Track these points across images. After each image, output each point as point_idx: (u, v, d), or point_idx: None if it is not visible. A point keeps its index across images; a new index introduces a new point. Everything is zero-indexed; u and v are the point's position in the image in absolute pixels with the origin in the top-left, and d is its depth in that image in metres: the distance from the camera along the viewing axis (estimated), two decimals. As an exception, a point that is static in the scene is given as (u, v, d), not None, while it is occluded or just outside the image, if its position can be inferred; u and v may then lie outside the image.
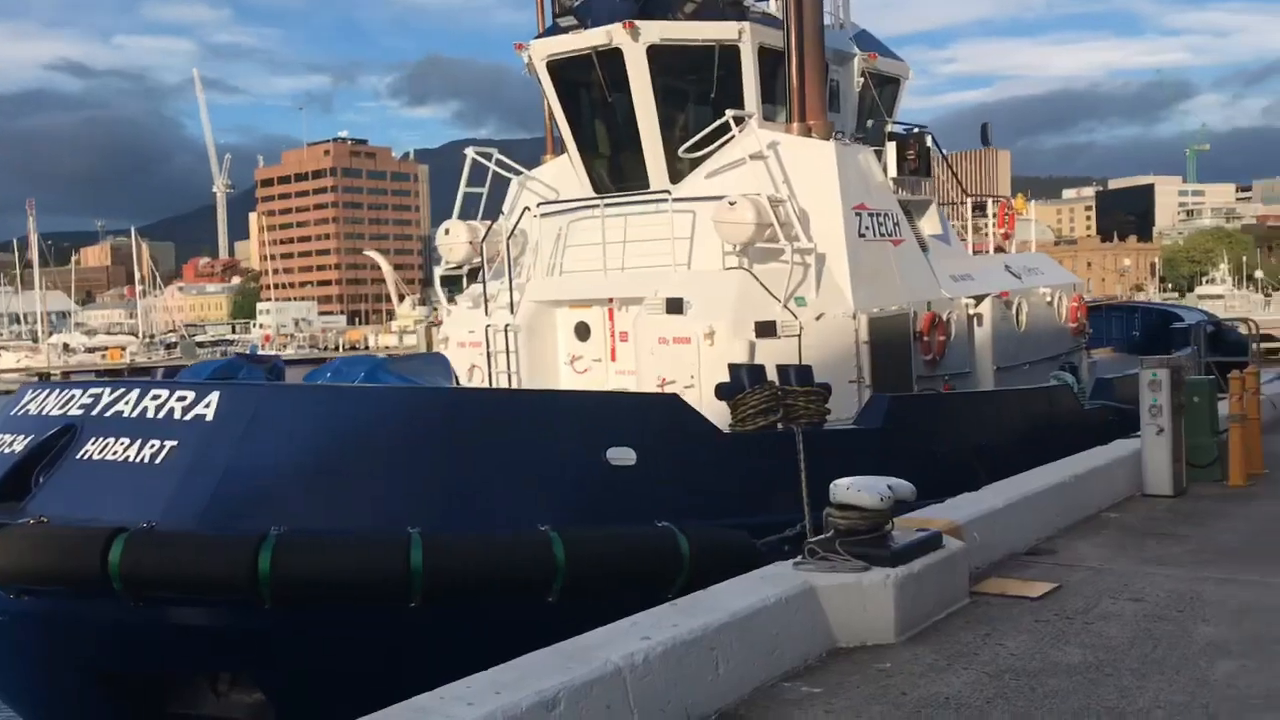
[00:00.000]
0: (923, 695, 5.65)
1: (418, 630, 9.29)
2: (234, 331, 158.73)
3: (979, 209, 23.39)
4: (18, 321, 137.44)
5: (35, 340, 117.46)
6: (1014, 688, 5.73)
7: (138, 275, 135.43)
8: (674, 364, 15.64)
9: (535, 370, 17.73)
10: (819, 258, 16.90)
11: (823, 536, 6.94)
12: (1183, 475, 11.29)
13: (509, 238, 18.15)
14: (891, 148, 18.91)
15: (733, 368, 12.39)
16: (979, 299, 20.10)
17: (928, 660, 6.17)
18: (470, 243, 18.88)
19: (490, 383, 17.64)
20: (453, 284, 19.99)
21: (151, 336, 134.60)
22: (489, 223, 18.88)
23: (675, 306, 16.01)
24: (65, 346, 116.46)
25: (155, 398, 10.43)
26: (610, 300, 17.43)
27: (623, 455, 10.66)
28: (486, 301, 18.08)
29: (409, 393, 11.43)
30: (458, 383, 15.83)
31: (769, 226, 16.01)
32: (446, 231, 19.21)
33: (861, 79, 20.35)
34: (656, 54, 17.10)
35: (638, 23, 16.90)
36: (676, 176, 17.74)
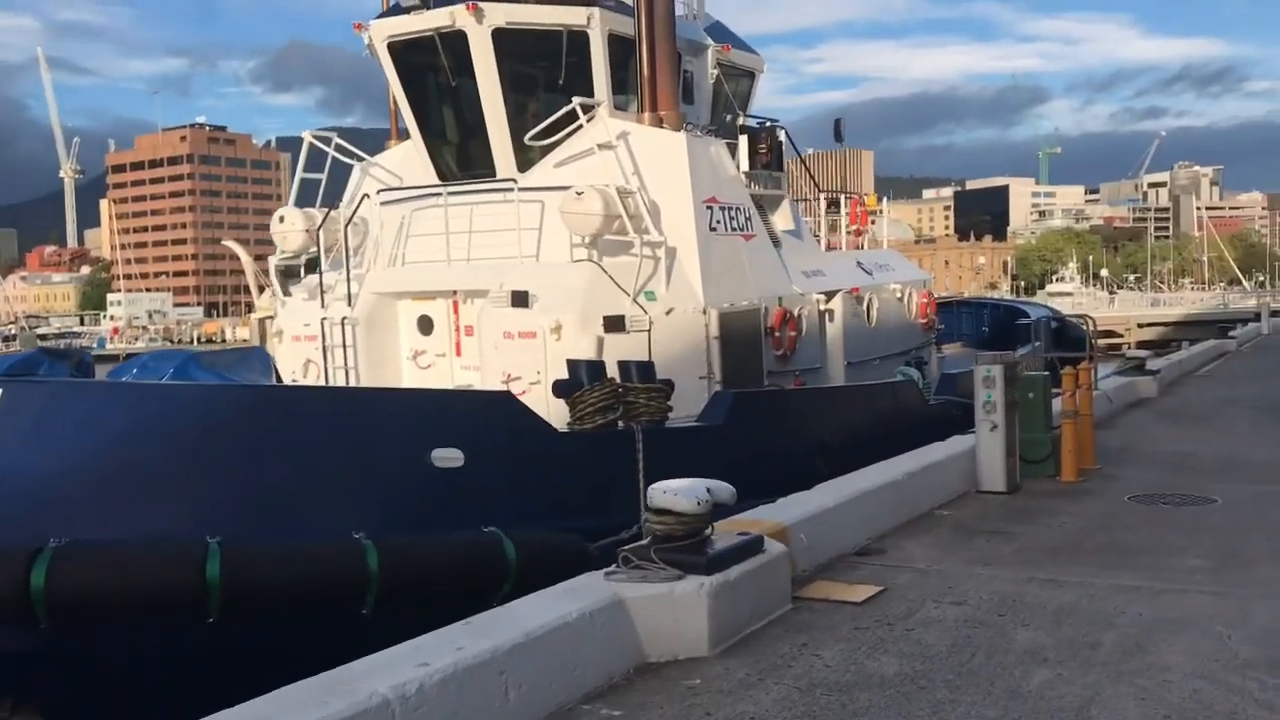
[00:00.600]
0: (728, 715, 5.29)
1: (217, 648, 8.59)
2: (82, 323, 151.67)
3: (833, 205, 23.49)
4: None
5: None
6: (824, 704, 5.42)
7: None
8: (520, 359, 15.18)
9: (375, 366, 17.03)
10: (669, 251, 16.63)
11: (637, 544, 6.54)
12: (1016, 471, 11.28)
13: (346, 225, 17.39)
14: (743, 141, 18.75)
15: (571, 364, 11.96)
16: (830, 295, 20.12)
17: (739, 675, 5.82)
18: (306, 231, 18.05)
19: (326, 379, 16.87)
20: (290, 276, 19.10)
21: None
22: (326, 210, 18.07)
23: (521, 300, 15.55)
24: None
25: (-69, 396, 9.46)
26: (454, 292, 16.86)
27: (449, 457, 10.11)
28: (323, 293, 17.31)
29: (210, 390, 10.65)
30: (278, 379, 15.00)
31: (617, 218, 15.65)
32: (281, 219, 18.32)
33: (715, 71, 20.17)
34: (502, 37, 16.57)
35: (482, 4, 16.34)
36: (525, 165, 17.27)
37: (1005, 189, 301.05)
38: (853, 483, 9.27)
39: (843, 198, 23.43)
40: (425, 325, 17.22)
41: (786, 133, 21.18)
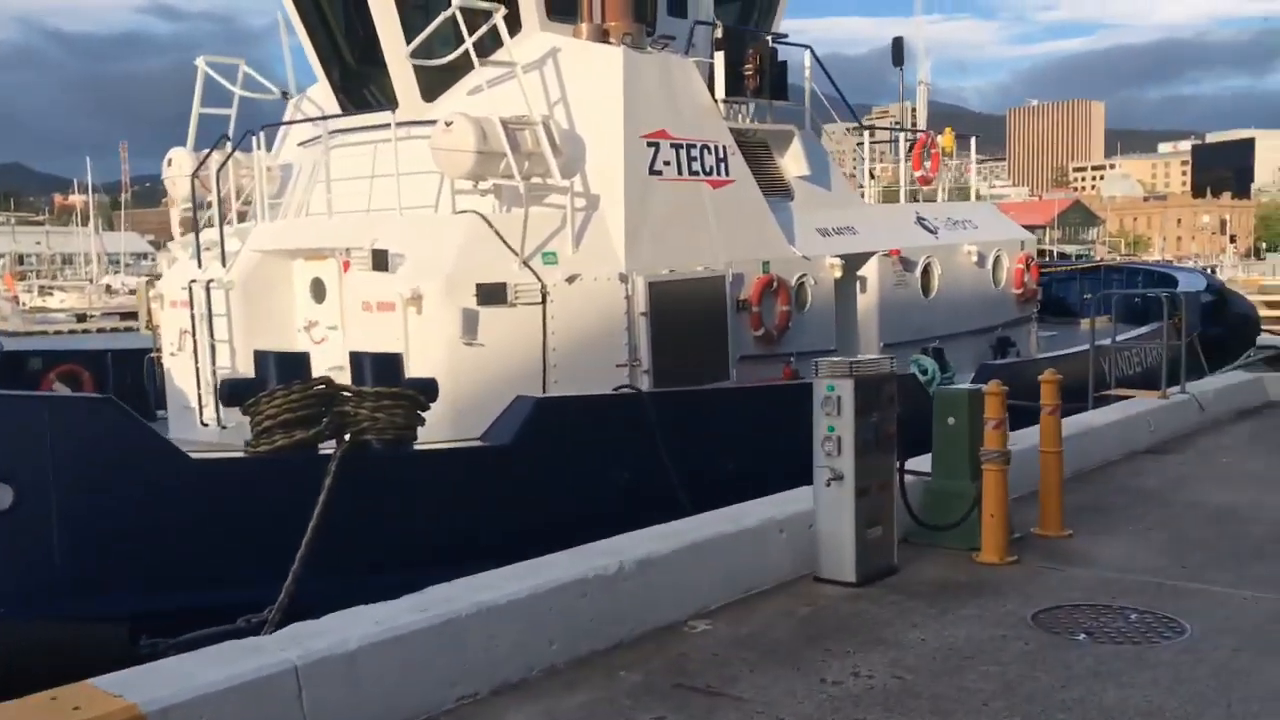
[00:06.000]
0: None
1: None
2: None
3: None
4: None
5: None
6: None
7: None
8: (381, 338, 11.88)
9: (262, 338, 13.96)
10: (591, 200, 12.97)
11: None
12: (892, 548, 7.10)
13: (219, 169, 14.36)
14: (719, 59, 14.60)
15: (259, 356, 8.50)
16: (858, 258, 15.89)
17: None
18: (197, 176, 15.15)
19: (197, 354, 14.04)
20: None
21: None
22: (206, 152, 15.06)
23: (380, 261, 12.24)
24: (108, 288, 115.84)
25: None
26: (337, 251, 13.63)
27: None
28: (200, 251, 14.39)
29: None
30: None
31: (501, 157, 12.07)
32: (169, 162, 15.47)
33: (717, -24, 16.06)
34: None
35: (361, -116, 12.94)
36: (433, 94, 13.82)
37: (1250, 142, 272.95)
38: (473, 591, 5.39)
39: (900, 136, 18.81)
40: (318, 290, 14.09)
41: (813, 52, 16.91)
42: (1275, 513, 8.54)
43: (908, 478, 7.84)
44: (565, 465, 9.08)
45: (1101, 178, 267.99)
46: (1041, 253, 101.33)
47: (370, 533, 8.03)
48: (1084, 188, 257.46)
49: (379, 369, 8.38)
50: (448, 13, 12.43)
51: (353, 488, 7.84)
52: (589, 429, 9.50)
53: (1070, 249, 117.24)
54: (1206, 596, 6.52)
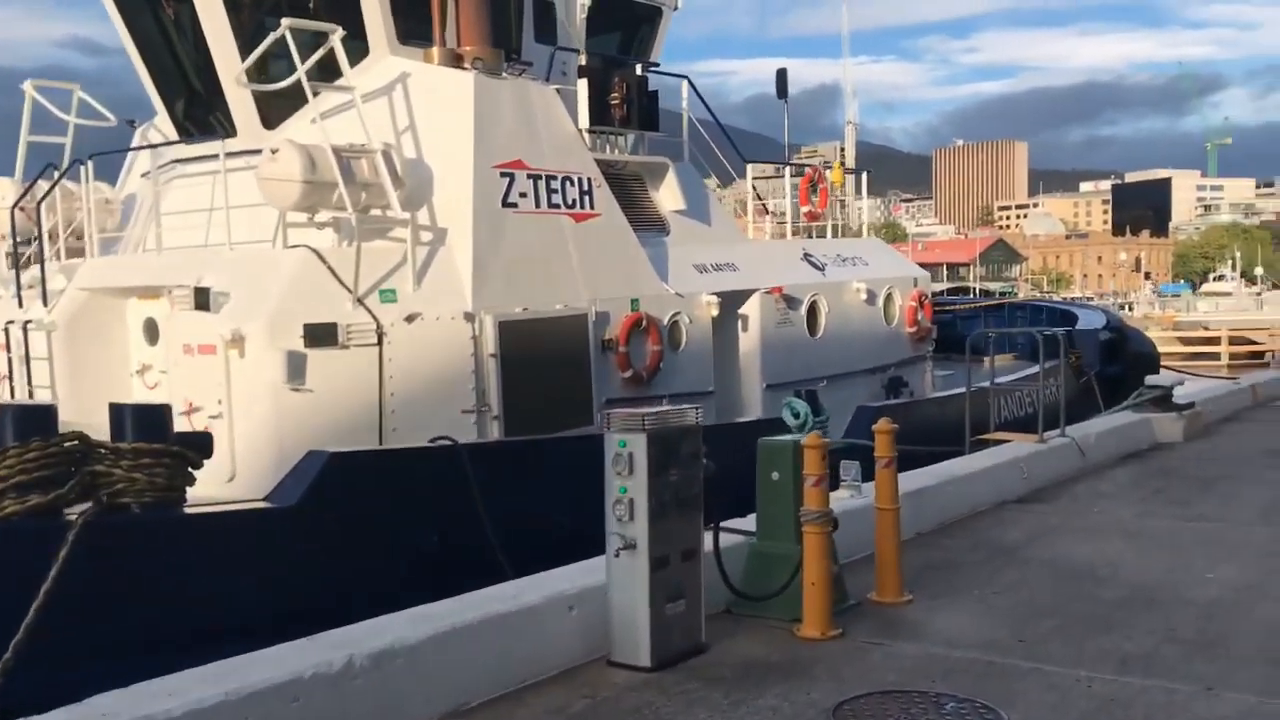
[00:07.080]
0: None
1: None
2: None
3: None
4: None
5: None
6: None
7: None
8: (203, 383, 10.89)
9: (90, 383, 12.88)
10: (439, 234, 12.18)
11: None
12: (698, 624, 6.27)
13: (41, 200, 13.34)
14: (583, 86, 13.89)
15: None
16: (738, 295, 15.22)
17: None
18: (21, 208, 14.05)
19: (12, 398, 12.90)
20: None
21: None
22: (30, 183, 13.97)
23: (203, 300, 11.26)
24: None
25: None
26: (165, 289, 12.61)
27: None
28: (20, 289, 13.31)
29: None
30: None
31: (333, 187, 11.21)
32: (-4, 196, 14.35)
33: (586, 2, 15.39)
34: None
35: (187, -104, 12.08)
36: (272, 121, 12.95)
37: (1168, 182, 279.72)
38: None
39: (787, 171, 18.24)
40: (151, 331, 13.04)
41: (691, 83, 16.29)
42: (1133, 572, 7.84)
43: (735, 539, 7.09)
44: (364, 528, 8.15)
45: (1025, 216, 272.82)
46: (965, 289, 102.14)
47: (121, 611, 7.03)
48: (1008, 226, 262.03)
49: (142, 422, 7.40)
50: (277, 34, 11.56)
51: (100, 559, 6.84)
52: (394, 486, 8.57)
53: (993, 286, 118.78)
54: (1037, 677, 5.76)
